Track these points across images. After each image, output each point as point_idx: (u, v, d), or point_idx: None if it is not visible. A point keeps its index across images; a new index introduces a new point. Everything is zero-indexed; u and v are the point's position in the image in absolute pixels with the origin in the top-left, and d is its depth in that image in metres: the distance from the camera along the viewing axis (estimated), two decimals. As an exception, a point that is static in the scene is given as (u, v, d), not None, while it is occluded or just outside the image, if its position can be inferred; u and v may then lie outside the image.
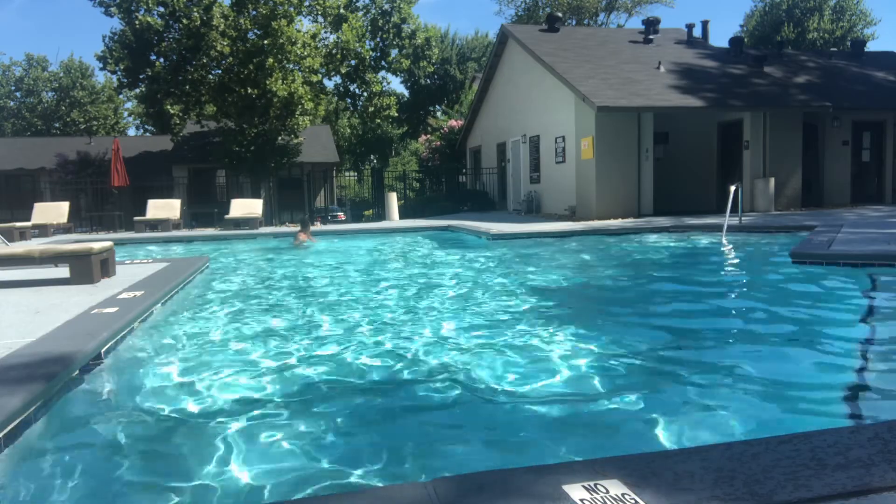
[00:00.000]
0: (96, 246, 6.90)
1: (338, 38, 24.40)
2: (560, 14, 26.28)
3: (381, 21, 26.40)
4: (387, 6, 26.37)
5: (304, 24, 23.45)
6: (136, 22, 21.64)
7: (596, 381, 3.67)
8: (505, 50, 20.76)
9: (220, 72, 22.03)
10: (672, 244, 10.76)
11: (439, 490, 1.82)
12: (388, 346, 4.62)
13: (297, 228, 14.07)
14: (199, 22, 20.81)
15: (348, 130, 42.70)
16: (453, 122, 27.28)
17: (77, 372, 3.63)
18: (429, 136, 28.88)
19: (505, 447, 2.90)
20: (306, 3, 23.02)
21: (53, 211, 17.92)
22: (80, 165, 25.48)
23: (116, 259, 7.87)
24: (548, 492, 1.76)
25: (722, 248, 10.13)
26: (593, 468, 1.91)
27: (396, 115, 29.43)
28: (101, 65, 23.60)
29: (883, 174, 18.73)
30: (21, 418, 2.87)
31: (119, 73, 23.11)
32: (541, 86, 17.85)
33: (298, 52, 21.58)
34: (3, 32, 67.71)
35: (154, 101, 23.16)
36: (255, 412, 3.30)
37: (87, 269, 6.68)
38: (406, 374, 3.93)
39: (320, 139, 29.49)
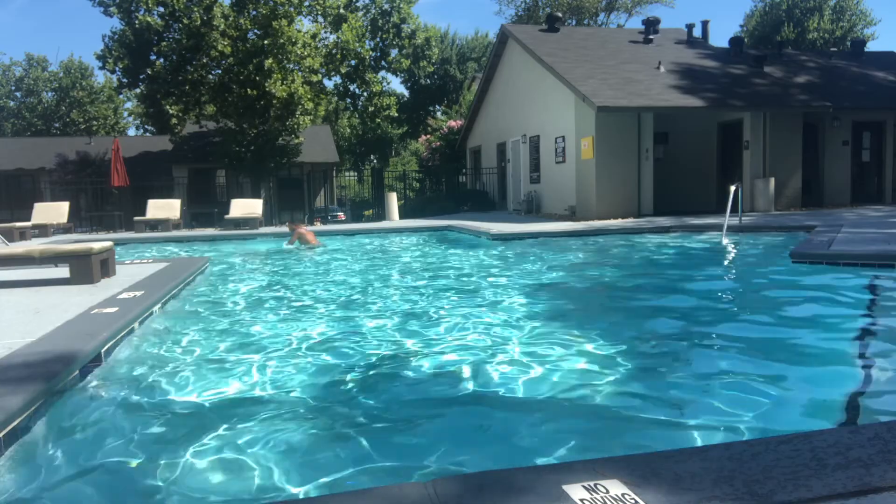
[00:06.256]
0: (96, 246, 6.90)
1: (338, 38, 24.40)
2: (560, 14, 26.24)
3: (380, 21, 26.39)
4: (387, 6, 26.37)
5: (304, 25, 23.48)
6: (136, 22, 21.64)
7: (596, 381, 3.67)
8: (505, 50, 20.76)
9: (220, 72, 22.03)
10: (672, 244, 10.76)
11: (439, 490, 1.82)
12: (388, 346, 4.62)
13: (294, 226, 13.54)
14: (199, 22, 20.81)
15: (348, 130, 42.70)
16: (453, 123, 27.29)
17: (77, 372, 3.63)
18: (429, 136, 28.88)
19: (505, 447, 2.90)
20: (306, 3, 23.02)
21: (53, 211, 17.93)
22: (80, 165, 25.46)
23: (116, 259, 7.87)
24: (548, 492, 1.76)
25: (722, 248, 10.13)
26: (593, 468, 1.91)
27: (396, 115, 29.42)
28: (100, 64, 23.61)
29: (883, 174, 18.74)
30: (21, 418, 2.87)
31: (119, 72, 23.11)
32: (541, 86, 17.85)
33: (299, 52, 21.58)
34: (3, 32, 67.77)
35: (154, 101, 23.17)
36: (256, 412, 3.30)
37: (87, 269, 6.68)
38: (405, 374, 3.93)
39: (320, 139, 29.49)
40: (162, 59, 22.22)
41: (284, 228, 17.07)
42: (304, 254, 11.53)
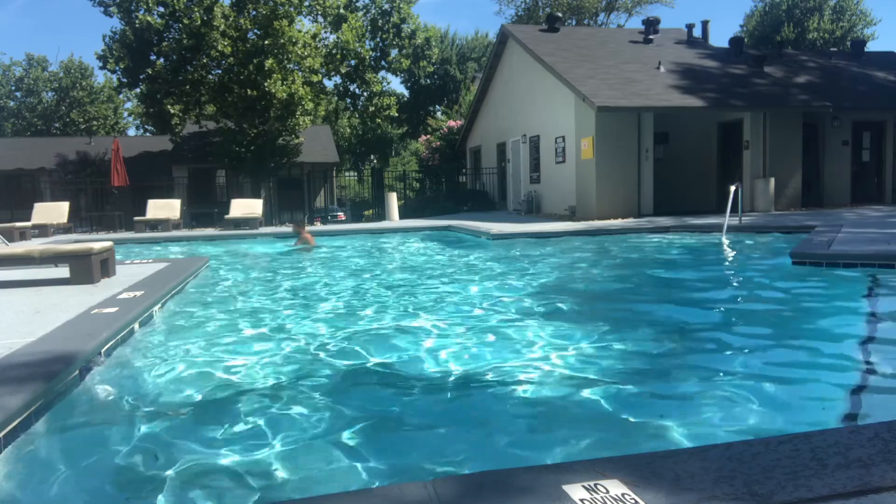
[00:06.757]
0: (96, 246, 6.90)
1: (338, 38, 24.40)
2: (560, 14, 26.26)
3: (380, 21, 26.39)
4: (387, 6, 26.36)
5: (305, 25, 23.47)
6: (136, 21, 21.64)
7: (596, 381, 3.67)
8: (505, 50, 20.76)
9: (220, 72, 22.03)
10: (672, 244, 10.76)
11: (439, 490, 1.82)
12: (389, 346, 4.62)
13: (299, 228, 13.34)
14: (199, 22, 20.81)
15: (348, 130, 42.69)
16: (453, 122, 27.29)
17: (77, 372, 3.63)
18: (429, 136, 28.88)
19: (505, 447, 2.90)
20: (306, 3, 23.01)
21: (53, 211, 17.92)
22: (80, 165, 25.45)
23: (116, 259, 7.87)
24: (548, 492, 1.76)
25: (722, 248, 10.13)
26: (593, 468, 1.91)
27: (396, 115, 29.42)
28: (101, 64, 23.60)
29: (883, 174, 18.74)
30: (21, 418, 2.87)
31: (119, 72, 23.11)
32: (541, 86, 17.85)
33: (299, 52, 21.57)
34: (3, 32, 67.76)
35: (154, 100, 23.17)
36: (255, 412, 3.30)
37: (87, 269, 6.68)
38: (406, 374, 3.93)
39: (320, 139, 29.49)
40: (162, 59, 22.22)
41: (284, 228, 17.06)
42: (302, 255, 11.52)
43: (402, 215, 19.67)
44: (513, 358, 4.18)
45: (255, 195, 22.73)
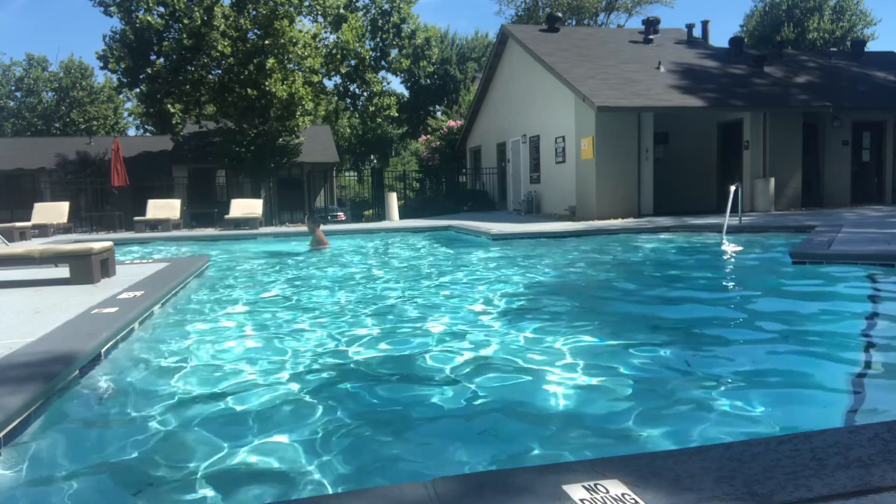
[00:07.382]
0: (96, 246, 6.90)
1: (338, 38, 24.40)
2: (560, 14, 26.28)
3: (380, 21, 26.39)
4: (387, 6, 26.36)
5: (305, 25, 23.48)
6: (137, 21, 21.64)
7: (596, 382, 3.67)
8: (505, 50, 20.76)
9: (220, 72, 22.03)
10: (672, 244, 10.75)
11: (439, 490, 1.82)
12: (389, 346, 4.62)
13: (313, 226, 12.41)
14: (199, 22, 20.81)
15: (348, 130, 42.69)
16: (453, 122, 27.29)
17: (77, 372, 3.63)
18: (429, 136, 28.89)
19: (505, 447, 2.90)
20: (306, 3, 23.01)
21: (53, 211, 17.93)
22: (80, 165, 25.46)
23: (116, 259, 7.87)
24: (548, 492, 1.76)
25: (722, 249, 10.13)
26: (593, 468, 1.91)
27: (396, 115, 29.42)
28: (101, 64, 23.60)
29: (883, 174, 18.74)
30: (21, 418, 2.87)
31: (119, 72, 23.11)
32: (541, 86, 17.85)
33: (299, 52, 21.57)
34: (3, 32, 67.76)
35: (154, 100, 23.17)
36: (255, 412, 3.30)
37: (87, 269, 6.68)
38: (406, 374, 3.93)
39: (320, 139, 29.49)
40: (162, 59, 22.21)
41: (285, 228, 17.07)
42: (313, 254, 11.46)
43: (402, 215, 19.67)
44: (511, 358, 4.18)
45: (255, 195, 22.73)
